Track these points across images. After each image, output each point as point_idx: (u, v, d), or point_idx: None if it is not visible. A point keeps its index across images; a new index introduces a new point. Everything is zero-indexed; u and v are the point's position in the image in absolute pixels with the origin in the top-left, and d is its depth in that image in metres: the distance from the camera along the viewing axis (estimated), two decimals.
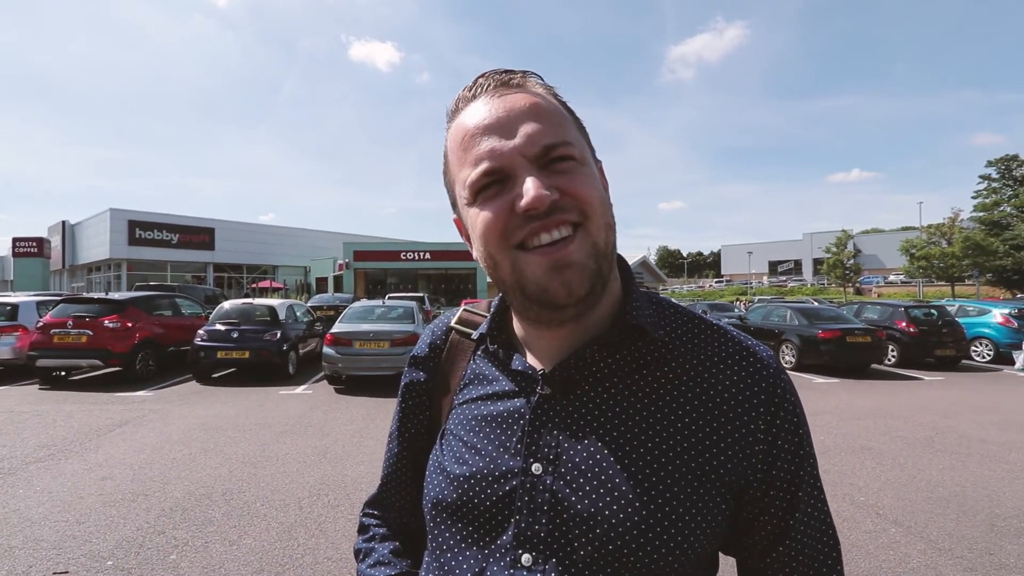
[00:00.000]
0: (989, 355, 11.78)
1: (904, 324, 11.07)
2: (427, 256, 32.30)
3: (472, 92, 0.55)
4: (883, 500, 3.97)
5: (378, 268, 33.54)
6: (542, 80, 0.56)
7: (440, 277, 35.08)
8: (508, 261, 0.51)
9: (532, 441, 0.54)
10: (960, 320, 11.95)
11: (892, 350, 11.03)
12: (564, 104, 0.56)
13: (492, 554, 0.53)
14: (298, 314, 10.72)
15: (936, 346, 10.86)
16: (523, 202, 0.48)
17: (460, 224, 0.60)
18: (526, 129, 0.50)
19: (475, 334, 0.66)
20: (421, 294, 22.56)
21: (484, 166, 0.50)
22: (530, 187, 0.48)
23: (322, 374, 9.12)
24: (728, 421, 0.53)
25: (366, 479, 4.34)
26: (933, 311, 11.59)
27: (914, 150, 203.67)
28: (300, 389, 8.41)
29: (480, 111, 0.52)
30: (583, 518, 0.51)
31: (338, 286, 32.77)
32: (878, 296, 39.96)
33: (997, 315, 12.06)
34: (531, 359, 0.60)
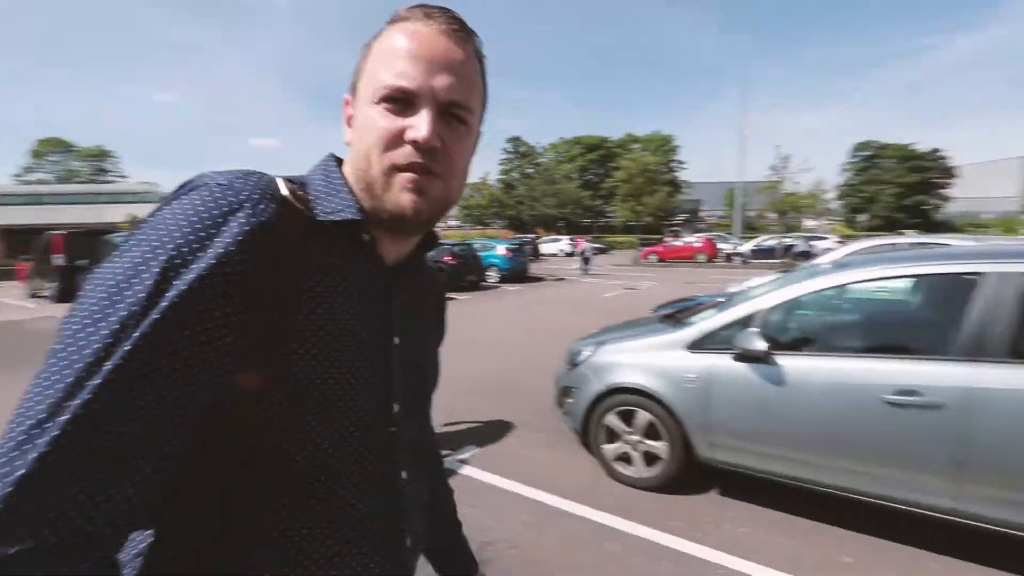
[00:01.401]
0: (496, 277, 16.88)
1: (449, 258, 14.48)
2: None
3: (427, 13, 0.58)
4: None
5: None
6: (481, 45, 0.62)
7: None
8: (381, 170, 0.57)
9: (392, 321, 0.64)
10: (480, 254, 16.54)
11: None
12: (484, 75, 0.63)
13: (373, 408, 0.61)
14: None
15: (466, 273, 14.79)
16: (417, 135, 0.55)
17: (349, 104, 0.62)
18: (449, 79, 0.56)
19: (327, 216, 0.58)
20: None
21: (402, 83, 0.55)
22: (427, 125, 0.55)
23: None
24: (440, 307, 0.84)
25: None
26: (465, 247, 15.62)
27: None
28: None
29: (429, 38, 0.56)
30: (420, 370, 0.71)
31: None
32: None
33: (500, 250, 17.35)
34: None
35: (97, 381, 0.42)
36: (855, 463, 2.57)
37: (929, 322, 2.89)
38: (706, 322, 3.15)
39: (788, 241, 23.28)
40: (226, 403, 0.50)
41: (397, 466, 0.63)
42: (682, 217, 56.64)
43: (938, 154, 52.82)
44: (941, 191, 53.85)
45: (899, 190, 51.81)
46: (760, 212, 32.12)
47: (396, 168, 0.56)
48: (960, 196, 55.18)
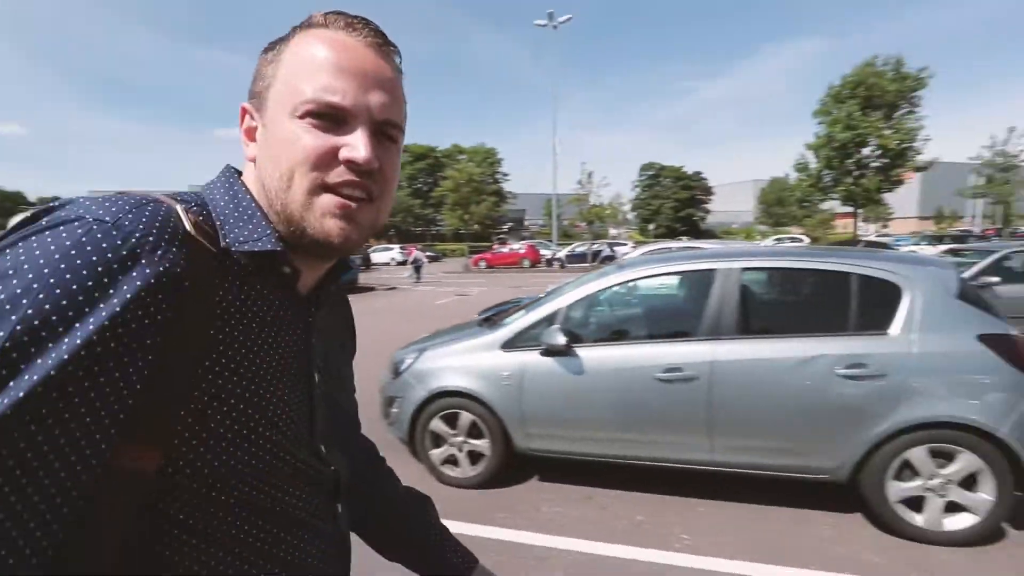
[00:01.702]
0: None
1: None
2: None
3: (349, 23, 0.54)
4: None
5: None
6: (401, 60, 0.58)
7: None
8: (304, 190, 0.51)
9: (311, 356, 0.59)
10: None
11: None
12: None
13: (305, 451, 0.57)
14: None
15: None
16: (356, 155, 0.50)
17: (249, 112, 0.56)
18: (382, 97, 0.53)
19: (240, 247, 0.51)
20: None
21: (334, 99, 0.50)
22: (365, 146, 0.50)
23: None
24: (350, 320, 0.79)
25: None
26: None
27: None
28: None
29: (357, 52, 0.52)
30: (337, 401, 0.67)
31: None
32: None
33: None
34: None
35: None
36: (639, 434, 3.03)
37: (687, 310, 3.55)
38: (517, 322, 3.40)
39: (596, 247, 26.41)
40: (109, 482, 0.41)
41: (333, 502, 0.62)
42: (508, 225, 60.34)
43: (700, 175, 65.44)
44: (704, 205, 67.00)
45: (675, 204, 62.84)
46: (572, 221, 35.84)
47: (324, 189, 0.51)
48: (716, 210, 69.82)
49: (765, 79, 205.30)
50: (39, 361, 0.37)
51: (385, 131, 0.54)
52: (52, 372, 0.37)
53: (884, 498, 2.70)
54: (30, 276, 0.38)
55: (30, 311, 0.37)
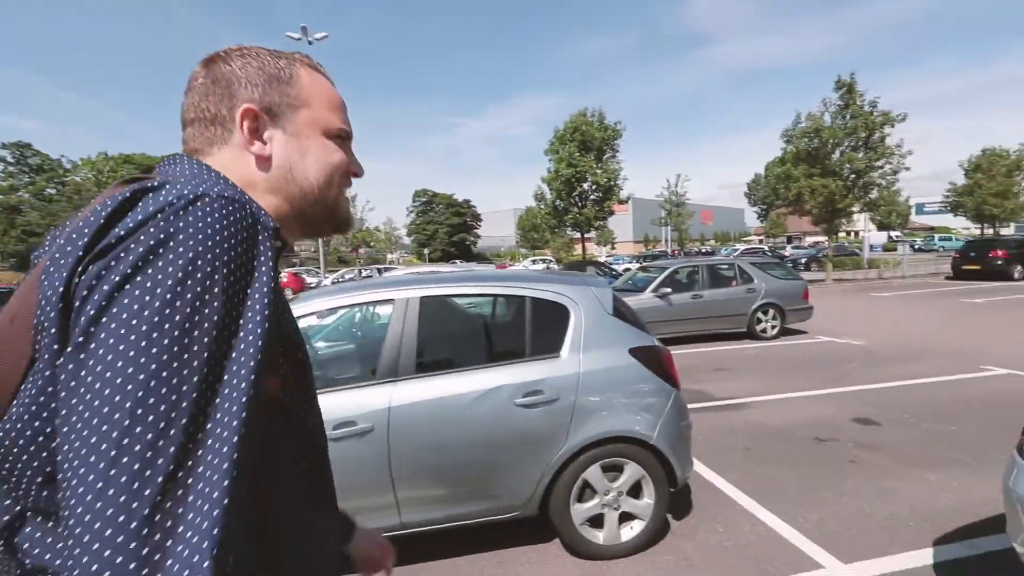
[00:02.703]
0: None
1: None
2: None
3: (327, 74, 0.74)
4: None
5: None
6: None
7: None
8: (338, 190, 0.71)
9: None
10: None
11: None
12: None
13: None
14: None
15: None
16: (359, 170, 0.74)
17: (258, 114, 0.64)
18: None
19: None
20: None
21: (348, 127, 0.73)
22: (360, 164, 0.75)
23: None
24: None
25: None
26: None
27: None
28: None
29: (337, 92, 0.74)
30: None
31: None
32: None
33: None
34: None
35: (232, 414, 0.43)
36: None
37: (363, 349, 3.13)
38: None
39: (366, 273, 25.33)
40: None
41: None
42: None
43: (470, 203, 70.08)
44: (475, 231, 71.86)
45: (449, 229, 65.79)
46: (338, 246, 33.92)
47: (342, 188, 0.72)
48: (485, 235, 75.68)
49: (518, 121, 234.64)
50: (248, 299, 0.48)
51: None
52: (261, 304, 0.48)
53: (570, 523, 2.65)
54: (211, 245, 0.46)
55: (225, 270, 0.46)
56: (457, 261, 52.45)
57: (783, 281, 9.01)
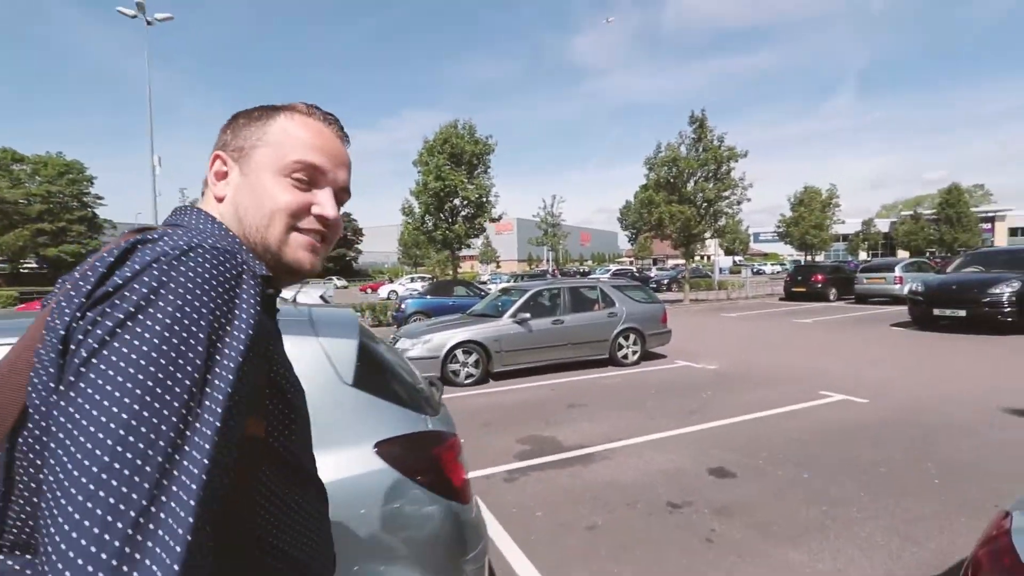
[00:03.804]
0: None
1: None
2: None
3: (325, 117, 0.75)
4: None
5: None
6: None
7: None
8: (282, 229, 0.68)
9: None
10: None
11: None
12: None
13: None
14: None
15: None
16: (326, 212, 0.70)
17: (222, 159, 0.71)
18: (344, 173, 0.75)
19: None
20: None
21: (318, 162, 0.70)
22: (332, 207, 0.71)
23: None
24: None
25: None
26: None
27: None
28: None
29: (330, 137, 0.73)
30: None
31: None
32: None
33: None
34: None
35: (200, 449, 0.45)
36: None
37: None
38: None
39: None
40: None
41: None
42: None
43: (351, 217, 66.23)
44: (356, 246, 68.08)
45: None
46: None
47: (295, 230, 0.69)
48: (368, 250, 72.17)
49: (406, 136, 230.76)
50: (226, 345, 0.50)
51: (340, 197, 0.75)
52: (241, 348, 0.51)
53: None
54: (197, 293, 0.49)
55: (209, 317, 0.49)
56: (334, 278, 48.58)
57: (643, 305, 8.78)
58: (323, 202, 0.69)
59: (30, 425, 0.48)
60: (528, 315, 7.59)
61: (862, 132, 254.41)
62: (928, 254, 46.50)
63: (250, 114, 0.72)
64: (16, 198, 40.57)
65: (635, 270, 39.66)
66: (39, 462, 0.48)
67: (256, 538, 0.58)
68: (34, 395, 0.48)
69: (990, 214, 59.59)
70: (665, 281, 30.40)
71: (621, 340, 8.29)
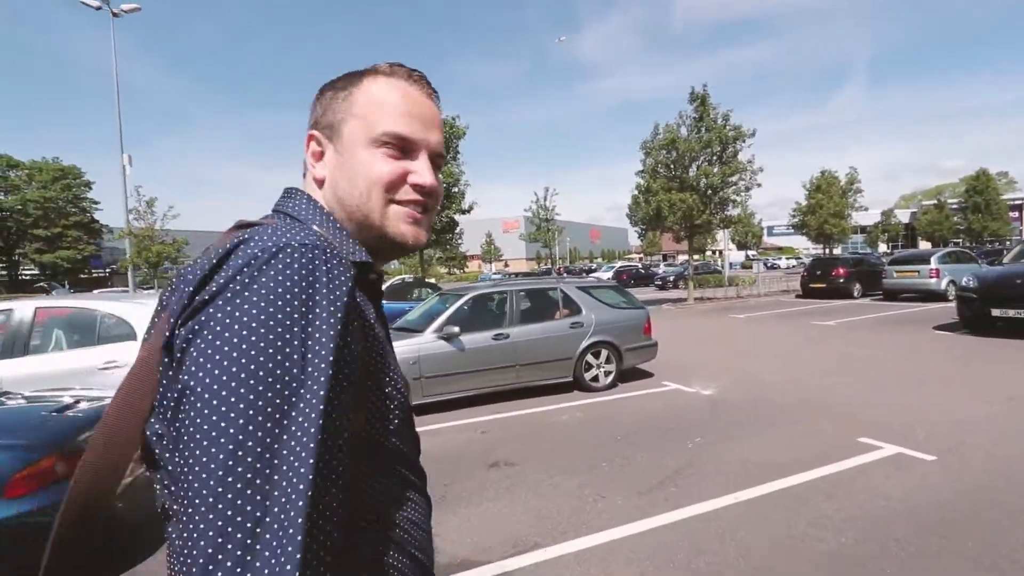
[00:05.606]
0: None
1: None
2: None
3: (409, 75, 0.70)
4: None
5: None
6: None
7: None
8: (381, 203, 0.66)
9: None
10: None
11: None
12: None
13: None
14: None
15: None
16: (423, 180, 0.67)
17: (316, 139, 0.69)
18: (437, 135, 0.70)
19: (351, 259, 0.63)
20: None
21: (407, 131, 0.66)
22: (429, 173, 0.68)
23: None
24: None
25: None
26: None
27: None
28: None
29: (417, 97, 0.69)
30: None
31: None
32: None
33: None
34: None
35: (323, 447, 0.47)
36: None
37: None
38: None
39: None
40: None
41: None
42: (110, 268, 45.19)
43: None
44: None
45: None
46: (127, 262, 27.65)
47: (395, 202, 0.67)
48: None
49: None
50: (328, 336, 0.50)
51: (436, 161, 0.71)
52: (341, 337, 0.51)
53: None
54: (296, 291, 0.50)
55: (310, 313, 0.50)
56: None
57: (619, 311, 6.83)
58: (419, 169, 0.68)
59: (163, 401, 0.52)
60: (457, 329, 5.69)
61: (874, 122, 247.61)
62: (952, 244, 43.53)
63: (335, 85, 0.70)
64: (12, 204, 39.64)
65: (641, 267, 37.53)
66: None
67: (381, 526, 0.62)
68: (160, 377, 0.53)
69: (1018, 201, 56.22)
70: (671, 278, 28.27)
71: (589, 358, 6.38)
